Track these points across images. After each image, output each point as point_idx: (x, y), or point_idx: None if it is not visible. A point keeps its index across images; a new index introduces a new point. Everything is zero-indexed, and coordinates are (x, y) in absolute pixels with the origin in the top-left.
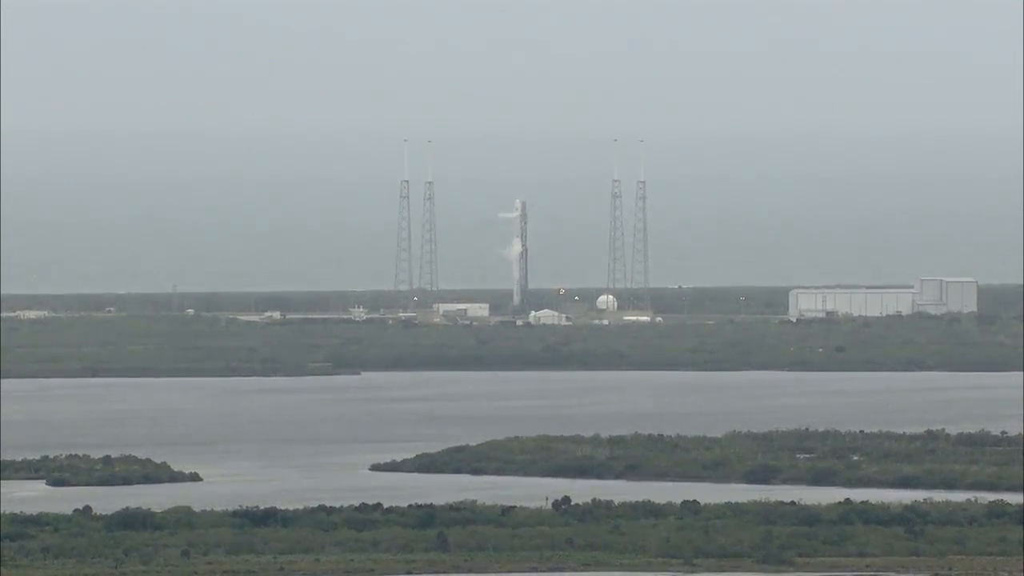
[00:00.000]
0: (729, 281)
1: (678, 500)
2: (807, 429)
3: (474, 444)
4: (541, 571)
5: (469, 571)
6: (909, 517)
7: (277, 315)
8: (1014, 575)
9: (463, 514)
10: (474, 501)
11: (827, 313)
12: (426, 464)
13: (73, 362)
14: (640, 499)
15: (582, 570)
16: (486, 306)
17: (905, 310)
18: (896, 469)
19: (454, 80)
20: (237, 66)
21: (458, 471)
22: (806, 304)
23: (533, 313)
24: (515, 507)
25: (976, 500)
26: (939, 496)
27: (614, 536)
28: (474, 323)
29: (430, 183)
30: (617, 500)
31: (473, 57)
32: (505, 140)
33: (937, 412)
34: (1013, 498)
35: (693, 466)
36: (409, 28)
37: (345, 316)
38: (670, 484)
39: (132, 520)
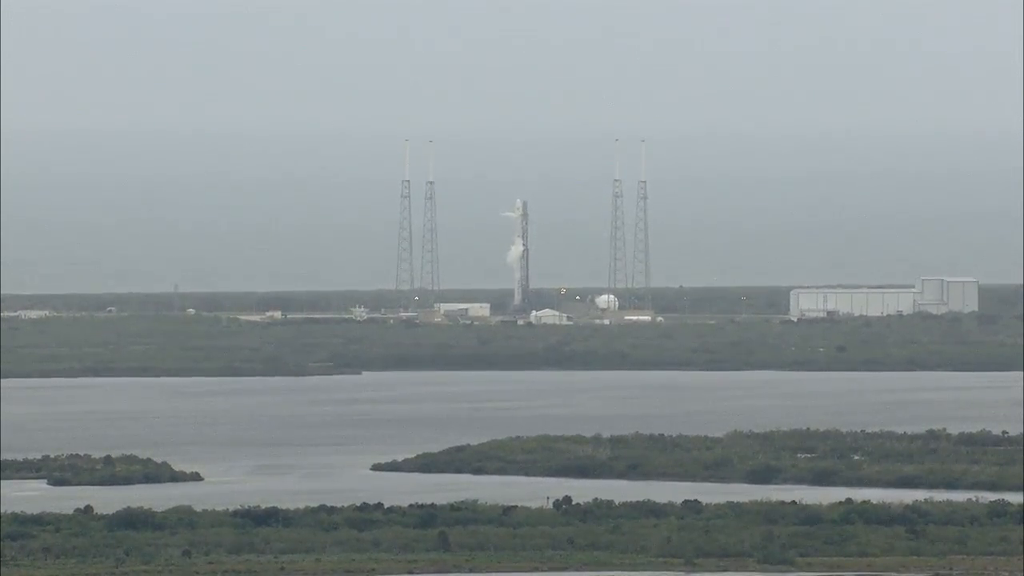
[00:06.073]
0: (730, 281)
1: (679, 500)
2: (808, 429)
3: (475, 444)
4: (542, 571)
5: (470, 571)
6: (910, 517)
7: (278, 315)
8: (1015, 575)
9: (464, 514)
10: (475, 501)
11: (828, 313)
12: (427, 464)
13: (73, 362)
14: (641, 499)
15: (583, 570)
16: (487, 306)
17: (906, 310)
18: (897, 469)
19: (455, 80)
20: (237, 66)
21: (459, 471)
22: (807, 304)
23: (534, 313)
24: (516, 507)
25: (977, 500)
26: (940, 496)
27: (615, 536)
28: (475, 323)
29: (431, 183)
30: (618, 500)
31: (474, 57)
32: (506, 140)
33: (938, 412)
34: (1014, 498)
35: (694, 466)
36: (410, 28)
37: (346, 316)
38: (671, 484)
39: (133, 520)
